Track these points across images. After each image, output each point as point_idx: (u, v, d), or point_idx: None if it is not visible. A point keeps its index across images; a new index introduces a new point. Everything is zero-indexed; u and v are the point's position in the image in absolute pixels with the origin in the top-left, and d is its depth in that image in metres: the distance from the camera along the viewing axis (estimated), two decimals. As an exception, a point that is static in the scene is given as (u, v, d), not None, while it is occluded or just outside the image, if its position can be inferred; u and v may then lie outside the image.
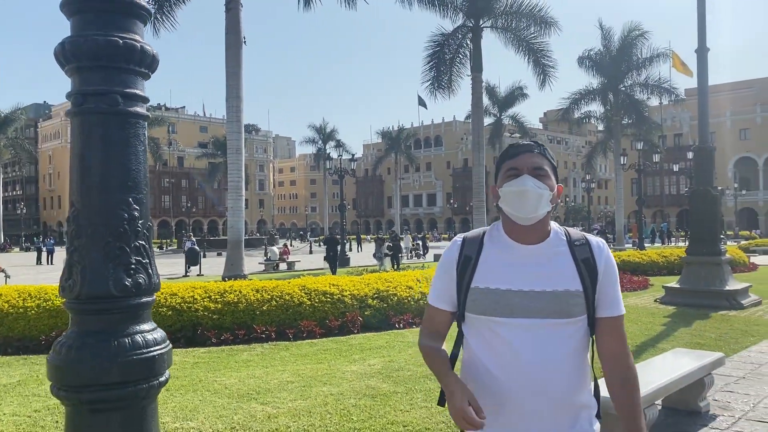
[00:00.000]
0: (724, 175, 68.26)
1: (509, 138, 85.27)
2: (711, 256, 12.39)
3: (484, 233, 1.92)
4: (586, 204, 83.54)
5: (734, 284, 12.36)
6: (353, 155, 33.65)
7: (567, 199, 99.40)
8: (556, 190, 1.84)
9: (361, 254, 39.07)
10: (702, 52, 12.80)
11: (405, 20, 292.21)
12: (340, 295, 9.58)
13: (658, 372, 4.66)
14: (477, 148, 25.59)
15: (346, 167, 31.26)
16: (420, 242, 37.40)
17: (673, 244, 46.12)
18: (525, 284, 1.78)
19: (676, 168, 45.79)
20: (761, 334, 8.94)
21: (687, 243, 13.90)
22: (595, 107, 40.73)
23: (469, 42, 26.09)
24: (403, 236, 40.40)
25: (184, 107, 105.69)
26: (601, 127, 48.42)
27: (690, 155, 41.74)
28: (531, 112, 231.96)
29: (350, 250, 30.51)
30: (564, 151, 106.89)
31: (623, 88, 37.45)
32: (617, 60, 36.20)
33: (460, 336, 1.93)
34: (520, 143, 1.89)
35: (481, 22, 25.80)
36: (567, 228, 1.92)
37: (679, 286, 12.58)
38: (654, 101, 41.56)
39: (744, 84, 76.78)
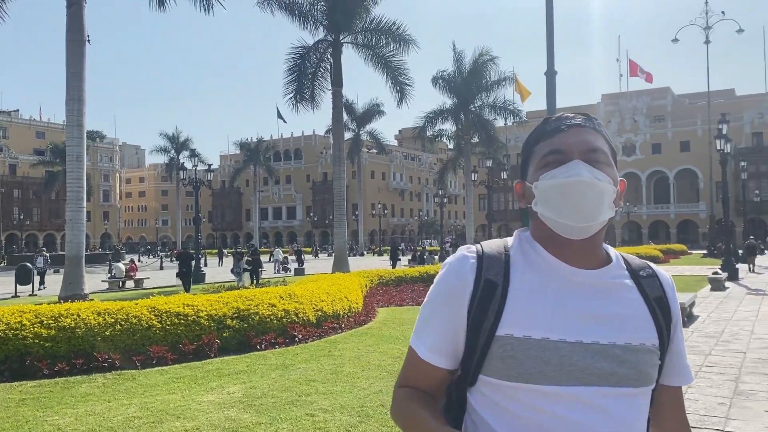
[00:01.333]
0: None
1: (367, 153, 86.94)
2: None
3: (506, 246, 1.25)
4: (439, 218, 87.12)
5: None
6: (210, 166, 32.12)
7: (420, 213, 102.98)
8: (619, 186, 1.21)
9: (222, 269, 37.55)
10: (551, 75, 13.57)
11: (266, 30, 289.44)
12: (195, 316, 8.86)
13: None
14: (338, 162, 25.54)
15: (202, 178, 29.85)
16: (296, 255, 36.37)
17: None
18: (585, 333, 1.14)
19: (521, 185, 48.71)
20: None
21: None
22: (448, 126, 42.55)
23: (329, 56, 26.05)
24: (273, 249, 39.25)
25: (17, 110, 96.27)
26: (451, 146, 50.59)
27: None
28: (388, 129, 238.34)
29: (206, 265, 29.03)
30: (418, 168, 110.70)
31: (473, 109, 39.41)
32: (468, 81, 38.04)
33: (457, 408, 1.25)
34: (562, 114, 1.26)
35: (341, 37, 25.90)
36: (616, 250, 1.30)
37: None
38: (500, 122, 44.17)
39: (575, 110, 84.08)
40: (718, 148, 23.70)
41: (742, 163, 39.05)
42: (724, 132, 23.83)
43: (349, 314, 11.83)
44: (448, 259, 1.26)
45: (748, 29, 43.24)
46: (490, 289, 1.17)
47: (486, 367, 1.16)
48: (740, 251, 32.14)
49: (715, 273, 19.79)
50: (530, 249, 1.22)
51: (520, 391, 1.13)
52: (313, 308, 10.63)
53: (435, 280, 1.26)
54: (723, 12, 41.47)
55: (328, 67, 26.27)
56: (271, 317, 9.61)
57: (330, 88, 26.08)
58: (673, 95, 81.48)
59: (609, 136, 1.24)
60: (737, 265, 23.69)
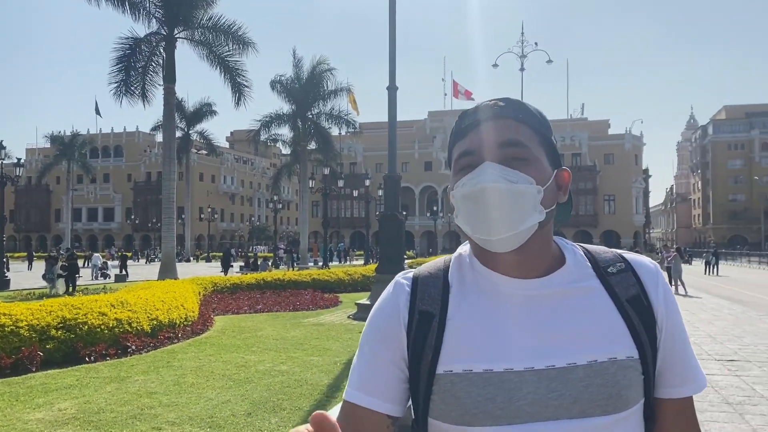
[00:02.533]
0: (390, 201, 77.04)
1: (196, 154, 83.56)
2: (396, 273, 13.62)
3: (445, 266, 1.08)
4: (271, 224, 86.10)
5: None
6: (19, 160, 28.89)
7: (252, 218, 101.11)
8: (553, 180, 1.01)
9: (31, 274, 33.84)
10: (392, 89, 14.14)
11: (88, 17, 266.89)
12: (13, 327, 7.96)
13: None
14: (168, 162, 24.35)
15: (9, 173, 26.75)
16: (120, 261, 33.34)
17: (349, 263, 50.17)
18: (537, 356, 0.96)
19: (356, 194, 49.93)
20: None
21: (364, 261, 15.01)
22: (285, 131, 42.42)
23: (162, 51, 24.78)
24: (88, 253, 35.85)
25: None
26: (286, 151, 50.43)
27: (367, 182, 46.04)
28: (220, 130, 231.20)
29: (8, 270, 25.98)
30: (250, 172, 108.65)
31: (311, 116, 39.67)
32: (306, 89, 38.23)
33: None
34: (480, 105, 1.05)
35: (175, 32, 24.77)
36: (585, 246, 1.11)
37: (369, 302, 13.54)
38: (335, 131, 44.89)
39: (405, 123, 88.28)
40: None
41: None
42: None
43: (185, 323, 11.32)
44: (385, 291, 1.10)
45: (556, 61, 48.24)
46: (426, 321, 1.01)
47: (431, 410, 0.99)
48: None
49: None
50: (467, 266, 1.06)
51: None
52: (148, 317, 10.04)
53: (369, 314, 1.09)
54: (536, 43, 45.85)
55: (161, 61, 24.97)
56: (102, 327, 8.92)
57: (162, 83, 24.81)
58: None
59: (541, 121, 1.03)
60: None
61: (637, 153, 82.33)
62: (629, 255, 1.08)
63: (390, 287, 1.09)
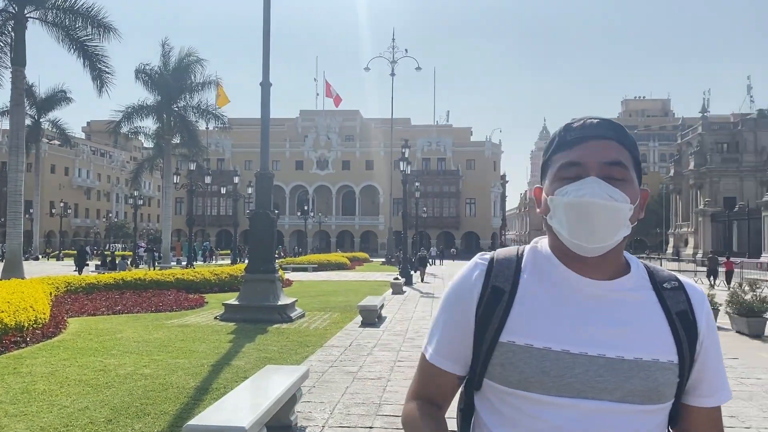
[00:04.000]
0: (259, 199, 75.60)
1: (47, 144, 76.99)
2: (267, 273, 13.48)
3: (521, 253, 1.26)
4: (130, 220, 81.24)
5: (285, 299, 13.68)
6: None
7: (109, 214, 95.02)
8: (639, 200, 1.17)
9: None
10: (265, 86, 13.94)
11: None
12: None
13: (263, 393, 4.78)
14: (16, 152, 22.32)
15: None
16: None
17: (215, 262, 48.66)
18: (592, 345, 1.12)
19: (224, 191, 48.46)
20: (314, 344, 10.10)
21: (231, 261, 14.70)
22: (149, 123, 40.35)
23: (11, 30, 22.68)
24: None
25: None
26: (148, 144, 48.04)
27: (236, 179, 44.83)
28: (77, 120, 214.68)
29: None
30: (108, 165, 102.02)
31: (177, 109, 38.03)
32: (174, 80, 36.62)
33: (467, 413, 1.28)
34: (585, 121, 1.18)
35: (26, 11, 22.78)
36: (646, 263, 1.27)
37: (238, 303, 13.26)
38: (203, 126, 43.38)
39: (276, 121, 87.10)
40: (402, 169, 26.89)
41: (417, 183, 44.67)
42: (406, 155, 27.13)
43: (35, 326, 10.46)
44: (464, 267, 1.27)
45: (425, 68, 49.86)
46: (497, 295, 1.17)
47: (489, 372, 1.16)
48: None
49: (396, 279, 22.39)
50: (543, 258, 1.21)
51: (519, 398, 1.13)
52: (-9, 320, 9.16)
53: (448, 285, 1.28)
54: (406, 50, 47.14)
55: (9, 41, 22.85)
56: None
57: (10, 66, 22.70)
58: (362, 118, 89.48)
59: (635, 145, 1.19)
60: (412, 272, 27.01)
61: (496, 160, 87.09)
62: (683, 278, 1.25)
63: (469, 264, 1.27)
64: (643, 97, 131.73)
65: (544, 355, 1.11)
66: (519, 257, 1.24)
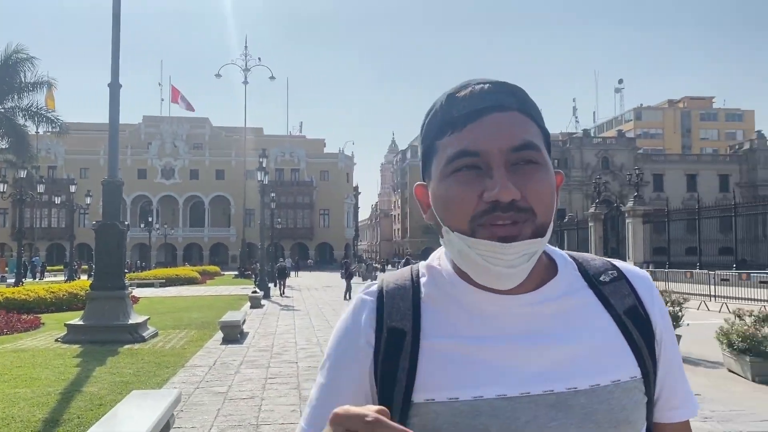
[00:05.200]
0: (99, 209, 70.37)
1: None
2: (116, 290, 12.45)
3: (416, 277, 0.94)
4: (-59, 234, 71.89)
5: (136, 317, 12.70)
6: None
7: None
8: (555, 182, 0.87)
9: None
10: (115, 87, 12.95)
11: None
12: None
13: (133, 423, 4.32)
14: None
15: None
16: None
17: (45, 279, 44.34)
18: (533, 380, 0.84)
19: (57, 201, 44.37)
20: (174, 364, 9.43)
21: (66, 277, 13.55)
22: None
23: None
24: None
25: None
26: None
27: (73, 188, 41.18)
28: None
29: None
30: None
31: (3, 110, 34.31)
32: (-1, 78, 33.01)
33: None
34: (473, 87, 0.86)
35: None
36: (571, 253, 0.99)
37: (83, 323, 12.10)
38: (32, 129, 39.53)
39: (124, 128, 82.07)
40: (259, 179, 26.27)
41: (272, 194, 43.96)
42: (263, 165, 26.56)
43: None
44: (346, 309, 0.95)
45: (279, 78, 49.48)
46: (397, 339, 0.87)
47: None
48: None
49: (254, 292, 21.76)
50: (445, 279, 0.91)
51: None
52: None
53: (330, 339, 0.94)
54: (259, 58, 46.48)
55: None
56: None
57: None
58: (212, 126, 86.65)
59: (539, 112, 0.89)
60: (270, 285, 26.44)
61: (349, 171, 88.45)
62: (619, 263, 0.98)
63: (350, 305, 0.95)
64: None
65: (476, 408, 0.82)
66: (414, 283, 0.92)
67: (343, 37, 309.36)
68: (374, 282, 0.96)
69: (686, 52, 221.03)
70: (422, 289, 0.92)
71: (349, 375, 0.88)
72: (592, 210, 50.78)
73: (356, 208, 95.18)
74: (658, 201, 56.55)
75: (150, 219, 65.78)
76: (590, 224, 50.69)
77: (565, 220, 59.25)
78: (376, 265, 43.66)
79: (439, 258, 0.96)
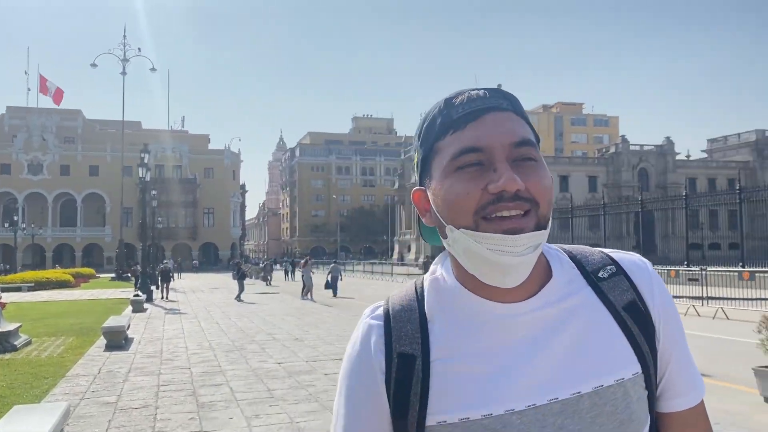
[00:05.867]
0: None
1: None
2: (-18, 297, 11.38)
3: (420, 294, 0.95)
4: None
5: (6, 325, 11.69)
6: None
7: None
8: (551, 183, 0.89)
9: None
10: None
11: None
12: None
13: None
14: None
15: None
16: None
17: None
18: (539, 391, 0.86)
19: None
20: (52, 374, 8.77)
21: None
22: None
23: None
24: None
25: None
26: None
27: None
28: None
29: None
30: None
31: None
32: None
33: None
34: (468, 93, 0.89)
35: None
36: (565, 247, 1.00)
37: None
38: None
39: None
40: (141, 175, 24.99)
41: (153, 192, 41.97)
42: (145, 161, 25.29)
43: None
44: (354, 333, 0.95)
45: (160, 70, 47.29)
46: (407, 365, 0.88)
47: None
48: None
49: (136, 295, 20.68)
50: (449, 293, 0.92)
51: None
52: None
53: (341, 368, 0.94)
54: (139, 48, 44.25)
55: None
56: None
57: None
58: (84, 119, 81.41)
59: (527, 116, 0.91)
60: (152, 288, 25.23)
61: (235, 169, 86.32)
62: (616, 254, 0.98)
63: (358, 331, 0.94)
64: (371, 115, 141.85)
65: (486, 426, 0.84)
66: (419, 301, 0.93)
67: (228, 31, 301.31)
68: (379, 304, 0.96)
69: (559, 58, 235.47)
70: (427, 307, 0.92)
71: (368, 402, 0.90)
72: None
73: (243, 206, 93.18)
74: (535, 200, 59.91)
75: (15, 218, 60.61)
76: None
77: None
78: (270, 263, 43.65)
79: (437, 270, 0.96)
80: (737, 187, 22.73)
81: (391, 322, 0.91)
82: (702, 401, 0.96)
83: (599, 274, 0.93)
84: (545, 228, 0.85)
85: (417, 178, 0.93)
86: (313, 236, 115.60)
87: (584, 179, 77.72)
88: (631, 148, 72.76)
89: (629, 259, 0.97)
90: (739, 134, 76.78)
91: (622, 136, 76.65)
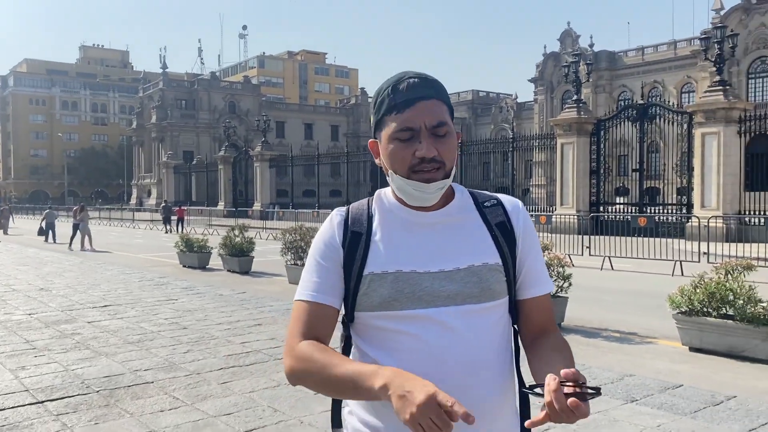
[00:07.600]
0: None
1: None
2: None
3: (369, 202, 1.50)
4: None
5: None
6: None
7: None
8: (456, 144, 1.42)
9: None
10: None
11: None
12: None
13: None
14: None
15: None
16: None
17: None
18: (432, 262, 1.39)
19: None
20: None
21: None
22: None
23: None
24: None
25: None
26: None
27: None
28: None
29: None
30: None
31: None
32: None
33: (346, 346, 1.47)
34: (408, 82, 1.38)
35: None
36: (470, 190, 1.54)
37: None
38: None
39: None
40: None
41: None
42: None
43: None
44: (325, 221, 1.51)
45: None
46: (356, 238, 1.42)
47: (358, 304, 1.40)
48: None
49: None
50: (387, 203, 1.46)
51: (383, 318, 1.38)
52: None
53: (314, 239, 1.49)
54: None
55: None
56: None
57: None
58: None
59: (447, 94, 1.42)
60: None
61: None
62: (501, 196, 1.54)
63: (330, 217, 1.50)
64: (102, 45, 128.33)
65: (397, 277, 1.37)
66: (369, 206, 1.48)
67: None
68: (345, 207, 1.53)
69: (304, 6, 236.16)
70: (372, 209, 1.48)
71: (328, 258, 1.44)
72: (221, 153, 51.87)
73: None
74: (281, 147, 60.74)
75: None
76: (220, 167, 51.78)
77: (194, 163, 59.22)
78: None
79: (382, 192, 1.52)
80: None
81: (349, 214, 1.48)
82: (548, 295, 1.52)
83: (485, 204, 1.50)
84: (449, 177, 1.40)
85: (372, 133, 1.46)
86: (33, 179, 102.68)
87: (327, 128, 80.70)
88: (369, 100, 77.09)
89: (508, 198, 1.54)
90: (458, 93, 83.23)
91: (362, 88, 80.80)
